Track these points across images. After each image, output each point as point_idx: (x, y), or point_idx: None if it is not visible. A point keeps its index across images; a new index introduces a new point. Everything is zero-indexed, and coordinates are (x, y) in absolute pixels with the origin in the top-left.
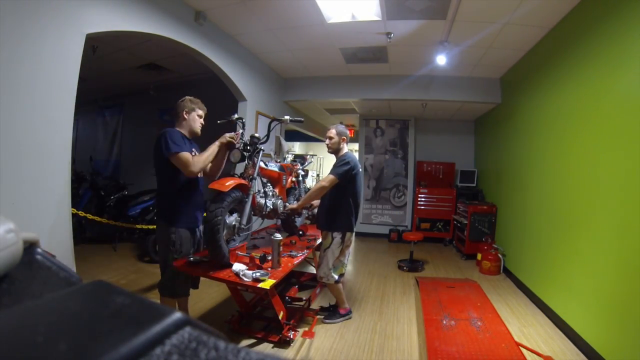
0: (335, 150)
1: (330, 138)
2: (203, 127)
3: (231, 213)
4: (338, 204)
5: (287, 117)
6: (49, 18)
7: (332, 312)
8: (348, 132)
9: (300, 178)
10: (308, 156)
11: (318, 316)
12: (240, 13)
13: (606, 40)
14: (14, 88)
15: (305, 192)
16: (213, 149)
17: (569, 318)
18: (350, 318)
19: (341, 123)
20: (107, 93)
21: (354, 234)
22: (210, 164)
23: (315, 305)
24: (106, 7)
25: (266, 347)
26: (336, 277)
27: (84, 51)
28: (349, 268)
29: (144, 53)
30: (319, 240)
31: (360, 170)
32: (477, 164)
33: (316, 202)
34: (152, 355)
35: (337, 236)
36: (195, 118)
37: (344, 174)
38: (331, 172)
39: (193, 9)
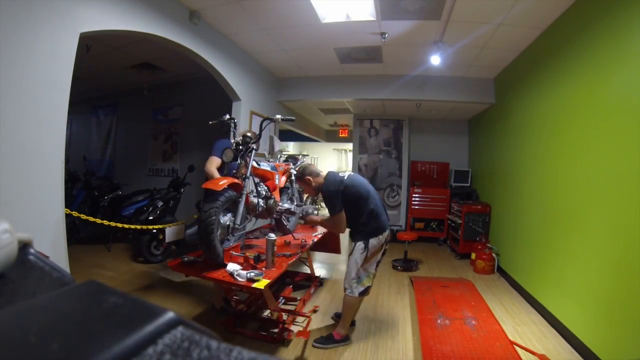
0: (317, 190)
1: (303, 189)
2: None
3: (225, 213)
4: (352, 217)
5: (278, 116)
6: (43, 17)
7: (327, 337)
8: (308, 168)
9: (293, 178)
10: (300, 156)
11: (312, 316)
12: (234, 13)
13: (599, 40)
14: (7, 87)
15: (299, 192)
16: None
17: (563, 317)
18: (347, 344)
19: (335, 124)
20: (101, 92)
21: (383, 238)
22: None
23: (309, 306)
24: (100, 6)
25: (260, 347)
26: (360, 289)
27: (77, 50)
28: (342, 268)
29: (138, 52)
30: (311, 241)
31: (348, 178)
32: (471, 164)
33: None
34: (144, 354)
35: (360, 244)
36: None
37: (337, 203)
38: (330, 212)
39: (187, 8)
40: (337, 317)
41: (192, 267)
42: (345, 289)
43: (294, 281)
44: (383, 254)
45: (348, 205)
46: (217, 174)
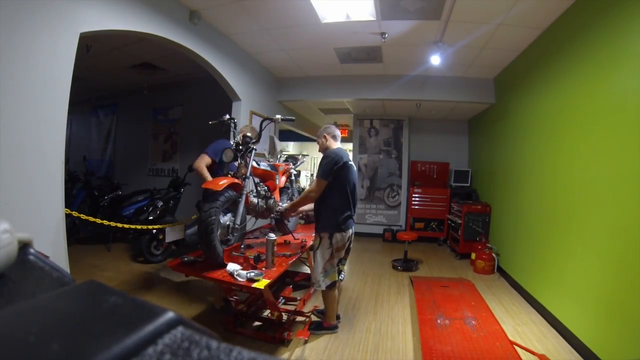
0: (324, 149)
1: (317, 143)
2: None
3: (225, 213)
4: (323, 202)
5: (278, 116)
6: (43, 17)
7: (318, 323)
8: (332, 128)
9: (293, 178)
10: (300, 156)
11: (313, 316)
12: (235, 13)
13: (599, 41)
14: (7, 87)
15: (299, 192)
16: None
17: (563, 316)
18: (334, 332)
19: (335, 123)
20: (101, 92)
21: (348, 234)
22: None
23: (309, 305)
24: (100, 6)
25: (260, 347)
26: (328, 283)
27: (77, 50)
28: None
29: (138, 52)
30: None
31: (349, 162)
32: (471, 164)
33: (307, 207)
34: (144, 354)
35: (325, 237)
36: None
37: (328, 171)
38: (316, 175)
39: (188, 8)
40: (318, 312)
41: (192, 267)
42: (313, 284)
43: (294, 281)
44: (347, 252)
45: (333, 184)
46: (205, 172)
